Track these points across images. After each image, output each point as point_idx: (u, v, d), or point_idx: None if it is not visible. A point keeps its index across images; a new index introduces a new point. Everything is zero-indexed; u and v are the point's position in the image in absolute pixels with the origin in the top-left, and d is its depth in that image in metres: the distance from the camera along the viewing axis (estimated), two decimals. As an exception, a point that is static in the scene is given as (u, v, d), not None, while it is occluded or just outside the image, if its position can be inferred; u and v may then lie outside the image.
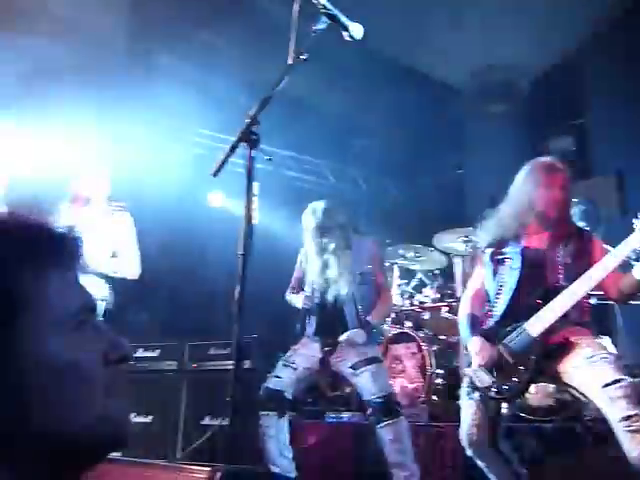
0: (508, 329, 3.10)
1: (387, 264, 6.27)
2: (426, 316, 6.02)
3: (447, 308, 5.87)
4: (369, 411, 3.94)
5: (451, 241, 5.94)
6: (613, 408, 2.67)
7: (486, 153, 8.57)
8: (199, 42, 7.72)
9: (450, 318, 5.82)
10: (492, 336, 3.16)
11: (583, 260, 3.09)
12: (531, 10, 6.88)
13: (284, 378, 3.99)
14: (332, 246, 4.13)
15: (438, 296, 6.02)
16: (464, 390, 3.22)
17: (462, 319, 3.40)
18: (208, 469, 0.91)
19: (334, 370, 4.15)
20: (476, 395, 3.13)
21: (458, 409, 4.96)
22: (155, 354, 5.82)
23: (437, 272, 6.35)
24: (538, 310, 3.01)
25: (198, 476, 0.95)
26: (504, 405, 3.13)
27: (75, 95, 6.07)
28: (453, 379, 5.30)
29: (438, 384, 5.36)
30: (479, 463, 3.19)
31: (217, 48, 7.86)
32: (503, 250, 3.30)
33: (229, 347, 5.51)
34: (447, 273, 6.33)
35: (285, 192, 9.30)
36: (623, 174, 7.57)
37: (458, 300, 5.43)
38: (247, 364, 5.29)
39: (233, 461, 2.03)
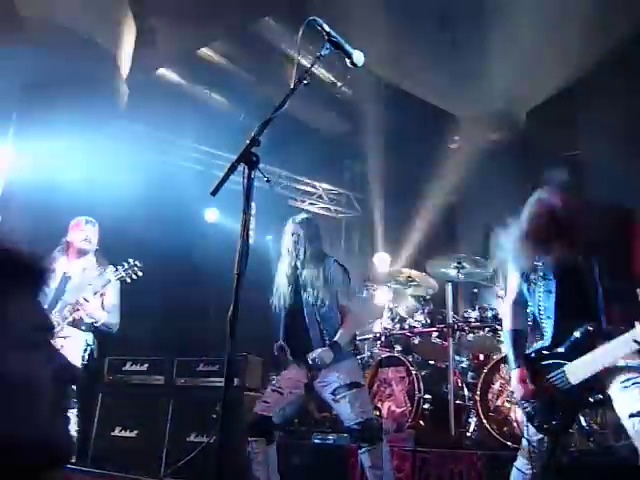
0: (550, 363, 2.97)
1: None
2: (416, 341, 6.03)
3: (437, 333, 5.88)
4: (351, 437, 3.95)
5: (444, 267, 5.97)
6: (638, 440, 2.57)
7: (481, 181, 8.63)
8: (201, 60, 7.78)
9: (440, 343, 5.84)
10: (536, 366, 3.04)
11: (623, 267, 2.84)
12: (529, 42, 6.98)
13: (271, 403, 3.99)
14: (305, 254, 4.14)
15: (429, 321, 6.03)
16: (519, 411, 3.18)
17: (505, 335, 3.28)
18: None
19: (318, 394, 4.15)
20: (524, 421, 3.09)
21: (444, 435, 5.01)
22: (143, 368, 5.81)
23: (428, 297, 6.37)
24: (581, 349, 2.82)
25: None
26: (545, 439, 3.00)
27: (77, 106, 6.11)
28: (441, 405, 5.31)
29: (426, 409, 5.35)
30: (524, 470, 3.07)
31: (219, 67, 7.93)
32: (535, 264, 3.06)
33: (218, 364, 5.51)
34: (438, 299, 6.35)
35: (279, 211, 9.35)
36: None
37: (448, 326, 5.46)
38: (236, 382, 5.29)
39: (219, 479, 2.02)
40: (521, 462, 3.11)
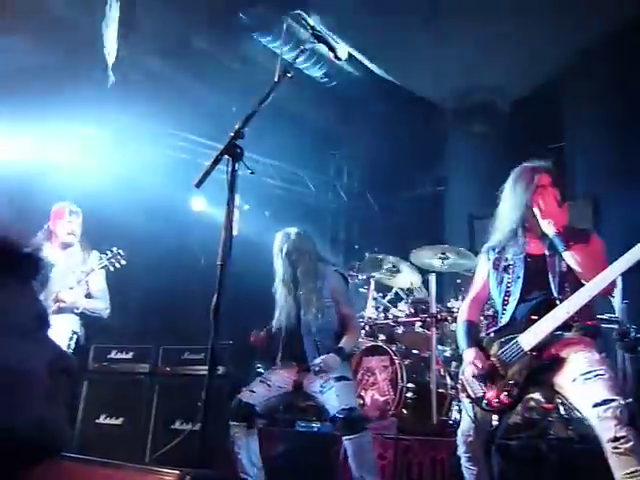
0: (504, 340, 3.15)
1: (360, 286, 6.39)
2: (400, 330, 6.08)
3: (420, 323, 5.93)
4: (335, 426, 4.03)
5: (428, 257, 6.01)
6: (602, 428, 2.66)
7: (466, 172, 8.68)
8: (191, 48, 7.75)
9: (423, 333, 5.89)
10: (489, 346, 3.23)
11: (582, 266, 3.07)
12: (514, 34, 7.02)
13: (257, 393, 4.10)
14: (301, 272, 4.29)
15: (412, 311, 6.08)
16: (462, 396, 3.29)
17: (459, 326, 3.48)
18: (177, 472, 0.96)
19: (305, 392, 4.23)
20: (469, 404, 3.19)
21: (426, 423, 5.07)
22: (128, 356, 5.82)
23: (412, 287, 6.42)
24: (534, 323, 3.06)
25: (166, 479, 0.99)
26: (494, 417, 3.13)
27: (60, 96, 6.09)
28: (424, 393, 5.36)
29: (408, 398, 5.40)
30: (467, 466, 3.22)
31: (208, 55, 7.90)
32: (507, 256, 3.34)
33: (203, 352, 5.53)
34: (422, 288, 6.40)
35: (266, 200, 9.36)
36: (599, 198, 7.71)
37: (432, 316, 5.51)
38: (220, 370, 5.31)
39: (203, 466, 2.06)
40: (462, 448, 3.24)
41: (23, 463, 0.87)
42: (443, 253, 5.79)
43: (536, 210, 3.25)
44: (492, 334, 3.31)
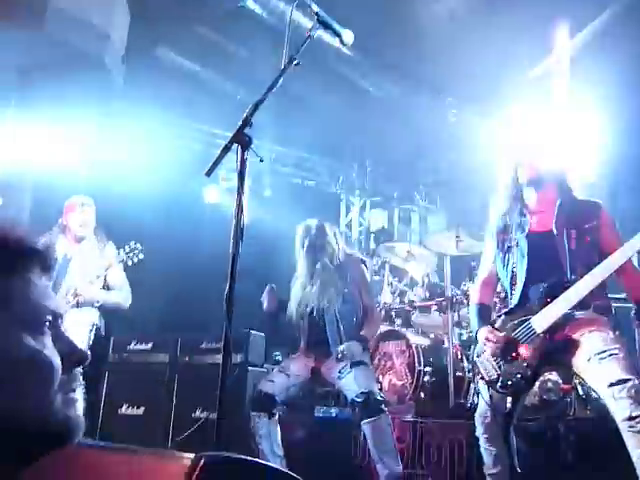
0: (517, 322, 3.14)
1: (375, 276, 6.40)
2: (416, 314, 6.09)
3: (436, 307, 5.94)
4: (353, 409, 4.07)
5: (442, 241, 6.01)
6: (618, 408, 2.68)
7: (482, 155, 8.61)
8: (199, 37, 7.74)
9: (439, 317, 5.89)
10: (502, 328, 3.22)
11: (591, 243, 3.06)
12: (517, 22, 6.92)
13: (277, 383, 4.16)
14: (321, 263, 4.34)
15: (428, 295, 6.08)
16: (477, 378, 3.30)
17: (471, 308, 3.50)
18: (192, 455, 0.99)
19: (324, 378, 4.27)
20: (483, 386, 3.21)
21: (444, 406, 5.08)
22: (147, 347, 5.88)
23: (428, 271, 6.42)
24: (546, 304, 3.03)
25: (182, 462, 1.01)
26: (508, 399, 3.16)
27: (74, 88, 6.12)
28: (441, 377, 5.38)
29: (426, 382, 5.42)
30: (486, 447, 3.24)
31: (217, 44, 7.89)
32: (510, 236, 3.30)
33: (221, 341, 5.56)
34: (438, 272, 6.41)
35: (281, 189, 9.37)
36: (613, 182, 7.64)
37: (447, 299, 5.52)
38: (239, 358, 5.36)
39: (220, 451, 2.09)
40: (480, 429, 3.26)
41: (36, 451, 0.90)
42: (458, 236, 5.78)
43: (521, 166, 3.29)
44: (503, 316, 3.29)
